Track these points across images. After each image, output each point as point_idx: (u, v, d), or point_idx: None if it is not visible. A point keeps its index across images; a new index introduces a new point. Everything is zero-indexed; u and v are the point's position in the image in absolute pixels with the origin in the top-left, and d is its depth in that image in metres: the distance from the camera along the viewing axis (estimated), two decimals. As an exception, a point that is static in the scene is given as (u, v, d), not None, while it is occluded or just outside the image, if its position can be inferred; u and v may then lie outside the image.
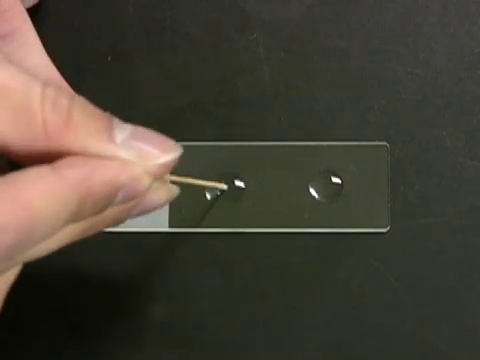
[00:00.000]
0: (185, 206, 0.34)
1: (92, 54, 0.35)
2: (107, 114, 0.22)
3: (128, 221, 0.34)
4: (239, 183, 0.34)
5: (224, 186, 0.33)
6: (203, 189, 0.34)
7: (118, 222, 0.24)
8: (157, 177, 0.23)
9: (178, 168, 0.33)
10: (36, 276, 0.33)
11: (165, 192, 0.25)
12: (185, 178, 0.29)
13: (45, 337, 0.34)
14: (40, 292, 0.34)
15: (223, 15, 0.35)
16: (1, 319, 0.33)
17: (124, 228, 0.34)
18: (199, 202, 0.34)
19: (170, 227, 0.34)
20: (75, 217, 0.21)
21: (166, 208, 0.34)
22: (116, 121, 0.22)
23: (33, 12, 0.33)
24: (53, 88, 0.21)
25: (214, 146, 0.34)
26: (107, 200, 0.21)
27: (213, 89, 0.35)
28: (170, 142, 0.23)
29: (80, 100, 0.22)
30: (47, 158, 0.21)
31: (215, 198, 0.34)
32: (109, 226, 0.24)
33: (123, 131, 0.22)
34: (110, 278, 0.34)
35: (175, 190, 0.26)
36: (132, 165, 0.22)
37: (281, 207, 0.33)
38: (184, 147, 0.34)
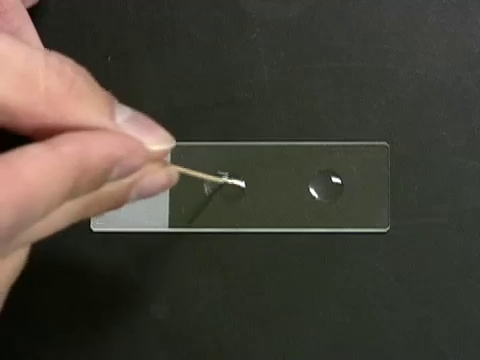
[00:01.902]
0: (185, 206, 0.34)
1: (92, 54, 0.35)
2: (109, 93, 0.23)
3: (128, 221, 0.34)
4: (239, 183, 0.34)
5: (224, 180, 0.33)
6: (203, 189, 0.34)
7: (117, 204, 0.24)
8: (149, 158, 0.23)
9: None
10: (35, 275, 0.33)
11: (164, 175, 0.25)
12: (184, 168, 0.29)
13: (44, 336, 0.34)
14: (39, 291, 0.34)
15: (223, 15, 0.35)
16: (2, 318, 0.33)
17: (124, 228, 0.34)
18: (199, 202, 0.34)
19: (170, 227, 0.34)
20: (72, 193, 0.21)
21: (166, 208, 0.34)
22: (117, 102, 0.23)
23: (33, 12, 0.33)
24: (56, 57, 0.21)
25: (214, 146, 0.34)
26: (103, 175, 0.22)
27: (213, 89, 0.35)
28: (166, 133, 0.24)
29: (84, 72, 0.22)
30: (49, 133, 0.21)
31: (215, 198, 0.34)
32: (108, 208, 0.24)
33: (123, 113, 0.23)
34: (110, 278, 0.34)
35: (175, 175, 0.26)
36: (128, 139, 0.22)
37: (281, 207, 0.33)
38: (184, 147, 0.34)
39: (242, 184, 0.34)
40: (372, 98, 0.34)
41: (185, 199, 0.34)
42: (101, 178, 0.22)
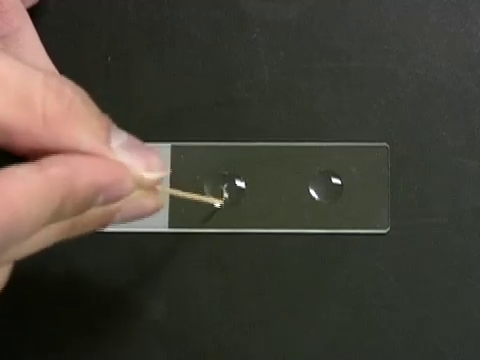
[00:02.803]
0: (185, 206, 0.34)
1: (92, 54, 0.35)
2: (107, 116, 0.22)
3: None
4: (239, 183, 0.34)
5: (219, 202, 0.33)
6: (203, 189, 0.34)
7: (101, 225, 0.24)
8: (139, 185, 0.23)
9: (179, 169, 0.33)
10: (35, 275, 0.33)
11: (152, 202, 0.25)
12: (176, 191, 0.29)
13: (44, 336, 0.34)
14: (39, 291, 0.34)
15: (223, 15, 0.35)
16: (1, 318, 0.33)
17: (124, 228, 0.34)
18: (199, 202, 0.34)
19: (170, 227, 0.34)
20: (57, 216, 0.21)
21: (166, 208, 0.34)
22: (114, 126, 0.23)
23: (33, 12, 0.33)
24: (56, 78, 0.21)
25: (214, 146, 0.34)
26: (89, 200, 0.21)
27: (213, 89, 0.35)
28: (160, 160, 0.24)
29: (83, 94, 0.22)
30: (42, 153, 0.21)
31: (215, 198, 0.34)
32: (92, 229, 0.24)
33: (119, 138, 0.22)
34: (110, 278, 0.34)
35: (163, 201, 0.26)
36: (116, 167, 0.22)
37: (281, 207, 0.33)
38: (184, 147, 0.34)
39: (242, 184, 0.34)
40: (372, 98, 0.34)
41: (185, 199, 0.34)
42: (86, 203, 0.22)
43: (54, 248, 0.34)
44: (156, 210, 0.25)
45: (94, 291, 0.34)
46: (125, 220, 0.25)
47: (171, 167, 0.34)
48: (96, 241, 0.34)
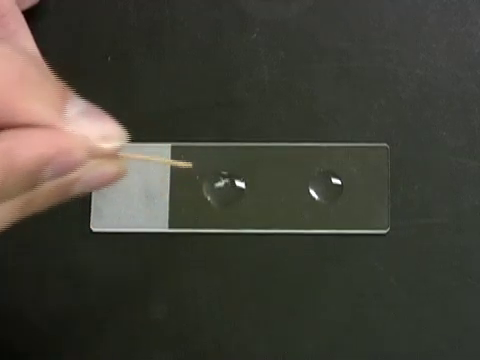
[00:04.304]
0: (185, 207, 0.34)
1: (92, 54, 0.35)
2: (62, 84, 0.22)
3: (128, 221, 0.34)
4: (239, 183, 0.34)
5: (189, 164, 0.32)
6: (202, 189, 0.34)
7: (61, 197, 0.23)
8: (95, 154, 0.22)
9: (179, 169, 0.33)
10: (35, 275, 0.33)
11: (113, 169, 0.24)
12: (136, 154, 0.28)
13: (44, 336, 0.34)
14: (39, 291, 0.34)
15: (223, 15, 0.35)
16: (1, 318, 0.33)
17: (124, 228, 0.34)
18: (199, 203, 0.34)
19: (170, 227, 0.34)
20: (2, 193, 0.20)
21: (166, 209, 0.34)
22: (71, 94, 0.22)
23: (33, 12, 0.33)
24: (8, 45, 0.21)
25: (214, 146, 0.34)
26: (34, 175, 0.21)
27: (213, 89, 0.35)
28: (118, 129, 0.23)
29: (39, 61, 0.21)
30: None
31: (215, 199, 0.34)
32: (51, 202, 0.23)
33: (76, 106, 0.21)
34: (109, 278, 0.34)
35: (124, 167, 0.24)
36: (62, 137, 0.21)
37: (281, 208, 0.33)
38: (184, 147, 0.34)
39: (242, 184, 0.34)
40: (372, 98, 0.34)
41: (185, 200, 0.34)
42: (33, 178, 0.21)
43: (54, 247, 0.34)
44: (120, 176, 0.24)
45: (94, 291, 0.34)
46: (88, 188, 0.24)
47: (171, 167, 0.34)
48: (96, 241, 0.34)
